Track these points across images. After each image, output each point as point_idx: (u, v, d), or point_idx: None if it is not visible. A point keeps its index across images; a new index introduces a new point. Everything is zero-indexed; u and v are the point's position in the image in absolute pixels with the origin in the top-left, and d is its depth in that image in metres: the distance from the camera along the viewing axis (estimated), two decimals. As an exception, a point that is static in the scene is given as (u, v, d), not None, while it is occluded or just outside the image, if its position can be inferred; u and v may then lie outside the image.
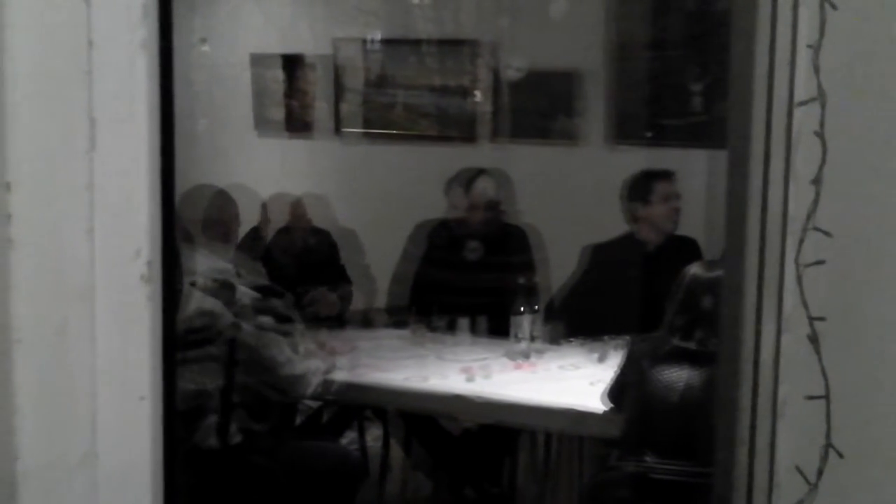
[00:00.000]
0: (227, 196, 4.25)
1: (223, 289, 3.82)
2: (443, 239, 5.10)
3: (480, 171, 5.06)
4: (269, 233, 5.17)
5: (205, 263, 3.88)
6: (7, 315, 1.33)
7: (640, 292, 4.57)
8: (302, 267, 5.10)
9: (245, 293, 3.88)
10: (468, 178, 5.01)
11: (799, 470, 1.63)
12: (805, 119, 1.58)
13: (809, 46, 1.56)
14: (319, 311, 4.88)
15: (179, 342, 3.48)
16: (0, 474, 1.34)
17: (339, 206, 5.79)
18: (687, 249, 4.66)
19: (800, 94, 1.58)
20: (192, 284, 3.75)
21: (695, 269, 3.50)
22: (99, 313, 1.36)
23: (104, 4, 1.33)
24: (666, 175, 4.74)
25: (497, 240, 4.99)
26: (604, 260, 4.84)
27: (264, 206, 5.14)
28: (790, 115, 1.59)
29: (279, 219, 5.22)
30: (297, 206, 5.30)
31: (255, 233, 5.07)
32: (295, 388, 3.97)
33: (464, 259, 4.95)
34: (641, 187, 4.74)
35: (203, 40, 5.84)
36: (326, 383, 4.08)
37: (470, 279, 4.90)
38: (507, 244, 5.01)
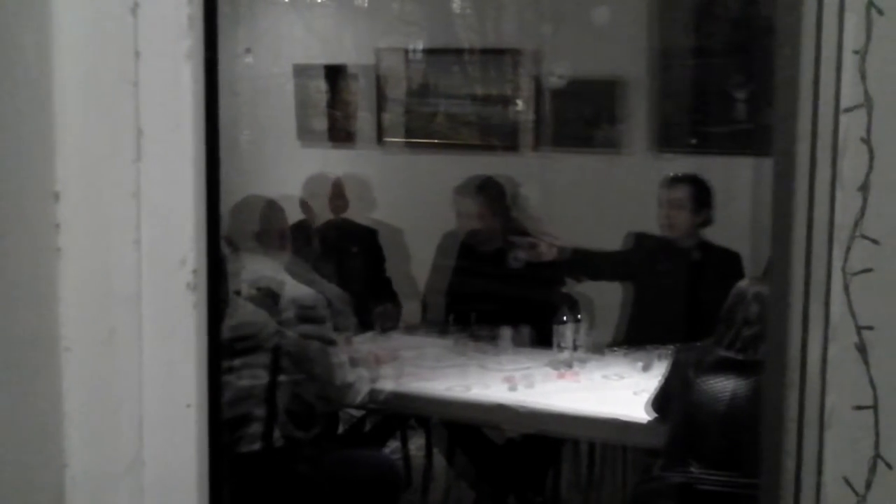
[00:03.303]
0: (276, 206, 4.30)
1: (267, 297, 3.84)
2: (470, 250, 5.13)
3: (487, 179, 5.09)
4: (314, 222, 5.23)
5: (254, 271, 3.91)
6: (56, 323, 1.35)
7: (680, 303, 4.55)
8: (347, 270, 5.12)
9: (292, 299, 3.88)
10: (476, 188, 5.04)
11: (847, 481, 1.61)
12: (851, 125, 1.56)
13: (855, 52, 1.55)
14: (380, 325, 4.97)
15: (224, 350, 3.51)
16: (49, 481, 1.36)
17: (381, 214, 5.83)
18: (730, 263, 4.64)
19: (846, 101, 1.56)
20: (237, 293, 3.78)
21: (744, 281, 3.49)
22: (145, 321, 1.37)
23: (151, 16, 1.35)
24: (673, 181, 4.73)
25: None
26: (644, 248, 4.84)
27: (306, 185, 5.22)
28: (836, 121, 1.57)
29: (320, 200, 5.28)
30: (336, 186, 5.36)
31: (302, 227, 5.11)
32: (346, 398, 3.99)
33: (493, 269, 4.97)
34: (660, 190, 4.77)
35: (247, 51, 5.89)
36: (370, 392, 4.09)
37: (499, 289, 4.91)
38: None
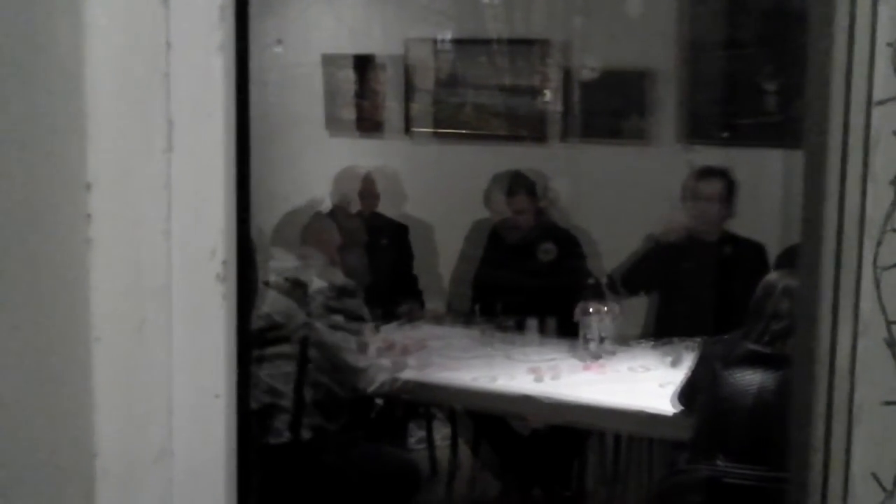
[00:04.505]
0: (323, 218, 4.37)
1: (295, 288, 3.86)
2: (501, 241, 5.14)
3: (518, 175, 5.08)
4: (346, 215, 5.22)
5: (278, 263, 3.93)
6: (87, 313, 1.36)
7: (705, 294, 4.54)
8: (375, 265, 5.12)
9: (321, 289, 3.91)
10: (509, 184, 5.05)
11: (875, 477, 1.60)
12: (884, 119, 1.55)
13: (889, 44, 1.54)
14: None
15: (253, 341, 3.53)
16: (79, 470, 1.37)
17: (410, 206, 5.83)
18: (755, 254, 4.62)
19: (878, 94, 1.55)
20: (266, 284, 3.80)
21: (773, 274, 3.47)
22: (175, 312, 1.38)
23: (182, 7, 1.35)
24: (705, 174, 4.72)
25: (553, 242, 5.01)
26: (668, 246, 4.83)
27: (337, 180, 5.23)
28: (868, 114, 1.56)
29: (351, 195, 5.30)
30: (366, 182, 5.36)
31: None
32: (359, 382, 3.98)
33: (521, 260, 4.97)
34: (688, 182, 4.76)
35: (278, 42, 5.91)
36: (396, 382, 4.09)
37: (527, 280, 4.91)
38: (560, 245, 5.01)
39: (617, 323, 4.53)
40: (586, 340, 4.41)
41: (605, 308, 4.47)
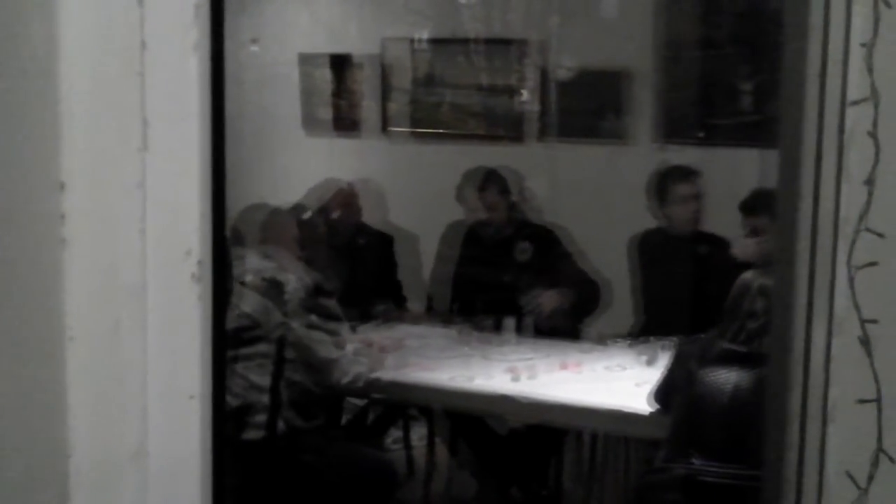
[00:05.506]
0: (282, 213, 4.34)
1: (272, 287, 3.84)
2: (476, 240, 5.13)
3: (489, 171, 5.09)
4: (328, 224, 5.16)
5: (253, 263, 3.92)
6: (61, 313, 1.35)
7: (677, 291, 4.56)
8: (358, 273, 5.09)
9: (297, 289, 3.90)
10: (480, 179, 5.05)
11: (849, 475, 1.61)
12: (858, 119, 1.56)
13: (863, 45, 1.55)
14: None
15: (229, 341, 3.52)
16: (53, 470, 1.36)
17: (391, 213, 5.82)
18: (718, 247, 4.65)
19: (853, 94, 1.56)
20: (242, 283, 3.78)
21: (748, 273, 3.48)
22: (150, 312, 1.37)
23: (157, 6, 1.35)
24: (685, 175, 4.74)
25: (529, 238, 5.02)
26: (645, 249, 4.87)
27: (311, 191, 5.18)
28: (843, 114, 1.57)
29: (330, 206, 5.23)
30: (347, 193, 5.29)
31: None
32: (332, 374, 3.95)
33: (499, 259, 4.98)
34: (660, 186, 4.77)
35: (254, 41, 5.88)
36: (372, 381, 4.08)
37: (503, 278, 4.91)
38: (538, 241, 5.01)
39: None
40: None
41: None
